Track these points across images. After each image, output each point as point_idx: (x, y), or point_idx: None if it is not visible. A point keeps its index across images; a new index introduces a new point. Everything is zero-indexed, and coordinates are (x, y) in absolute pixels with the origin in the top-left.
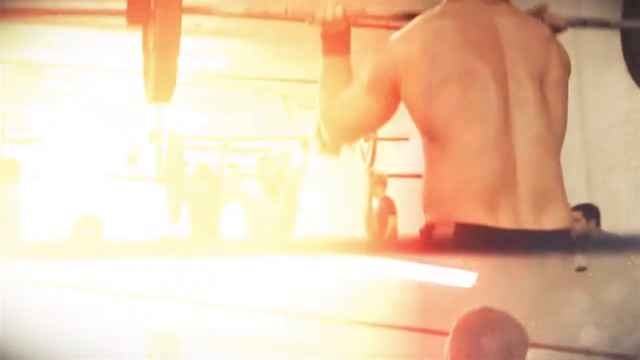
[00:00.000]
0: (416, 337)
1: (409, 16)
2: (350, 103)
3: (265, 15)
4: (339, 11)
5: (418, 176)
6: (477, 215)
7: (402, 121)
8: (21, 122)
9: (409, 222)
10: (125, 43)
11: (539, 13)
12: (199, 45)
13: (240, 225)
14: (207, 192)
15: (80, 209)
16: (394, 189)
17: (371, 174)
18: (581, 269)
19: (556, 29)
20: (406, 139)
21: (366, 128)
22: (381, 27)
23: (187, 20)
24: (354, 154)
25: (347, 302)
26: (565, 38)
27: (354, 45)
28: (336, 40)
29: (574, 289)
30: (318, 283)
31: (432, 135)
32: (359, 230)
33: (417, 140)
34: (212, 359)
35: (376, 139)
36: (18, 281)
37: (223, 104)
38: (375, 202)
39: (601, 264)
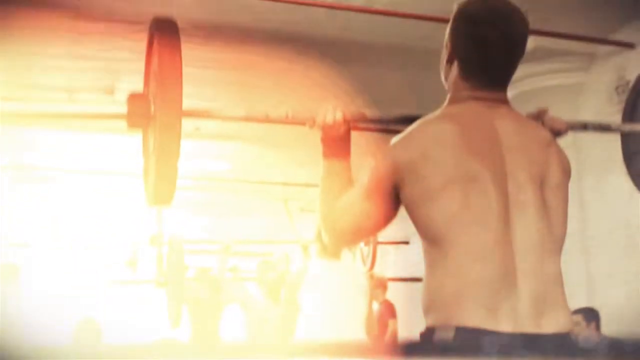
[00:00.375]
0: None
1: (409, 120)
2: (351, 207)
3: (266, 120)
4: (339, 115)
5: (418, 280)
6: (478, 319)
7: (402, 225)
8: (22, 226)
9: (410, 325)
10: (125, 146)
11: (539, 116)
12: (199, 148)
13: (241, 328)
14: (207, 296)
15: (81, 313)
16: (394, 293)
17: (371, 277)
18: None
19: (556, 133)
20: (406, 243)
21: (366, 232)
22: (381, 130)
23: (187, 124)
24: (355, 257)
25: None
26: (566, 141)
27: (354, 147)
28: (336, 143)
29: None
30: None
31: (432, 238)
32: (359, 333)
33: (417, 244)
34: None
35: (376, 243)
36: None
37: (223, 207)
38: (376, 306)
39: None
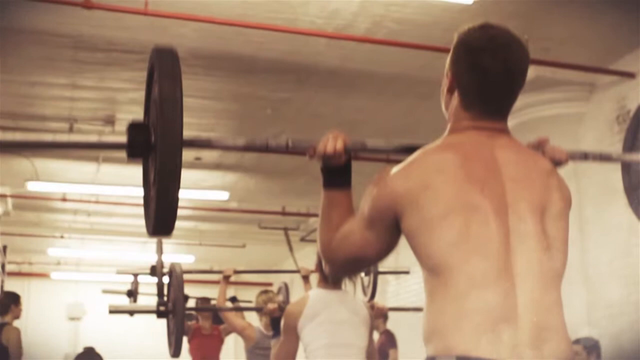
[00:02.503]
0: None
1: (409, 149)
2: (351, 236)
3: (266, 149)
4: (339, 145)
5: (419, 309)
6: (478, 349)
7: (403, 254)
8: (23, 256)
9: (410, 355)
10: (127, 176)
11: (539, 146)
12: (200, 178)
13: (240, 358)
14: (208, 326)
15: (82, 342)
16: (394, 322)
17: (372, 307)
18: None
19: (557, 162)
20: (407, 272)
21: (367, 261)
22: (382, 160)
23: (187, 153)
24: (355, 287)
25: None
26: (566, 171)
27: (354, 176)
28: (337, 173)
29: None
30: None
31: (432, 267)
32: None
33: (417, 273)
34: None
35: (377, 272)
36: None
37: (223, 237)
38: (376, 335)
39: None
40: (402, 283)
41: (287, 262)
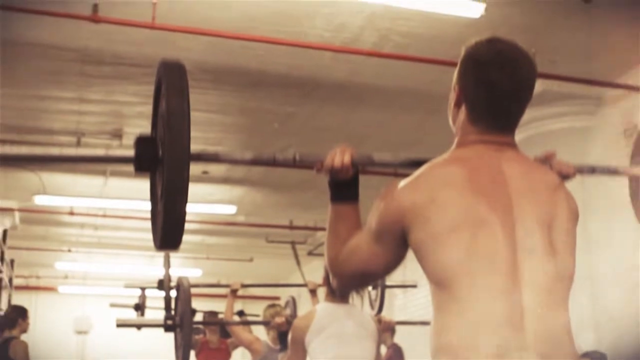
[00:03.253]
0: None
1: (417, 163)
2: (358, 251)
3: (274, 163)
4: (347, 158)
5: (426, 323)
6: None
7: (410, 268)
8: (30, 270)
9: None
10: (134, 190)
11: (546, 160)
12: (207, 192)
13: None
14: (215, 340)
15: (89, 356)
16: (402, 336)
17: (379, 320)
18: None
19: (564, 176)
20: (414, 286)
21: (374, 275)
22: (389, 174)
23: (195, 167)
24: (363, 301)
25: None
26: (573, 184)
27: (362, 190)
28: (344, 187)
29: None
30: None
31: (440, 281)
32: None
33: (425, 287)
34: None
35: (384, 286)
36: None
37: (230, 251)
38: (384, 349)
39: None
40: (409, 297)
41: (294, 276)
